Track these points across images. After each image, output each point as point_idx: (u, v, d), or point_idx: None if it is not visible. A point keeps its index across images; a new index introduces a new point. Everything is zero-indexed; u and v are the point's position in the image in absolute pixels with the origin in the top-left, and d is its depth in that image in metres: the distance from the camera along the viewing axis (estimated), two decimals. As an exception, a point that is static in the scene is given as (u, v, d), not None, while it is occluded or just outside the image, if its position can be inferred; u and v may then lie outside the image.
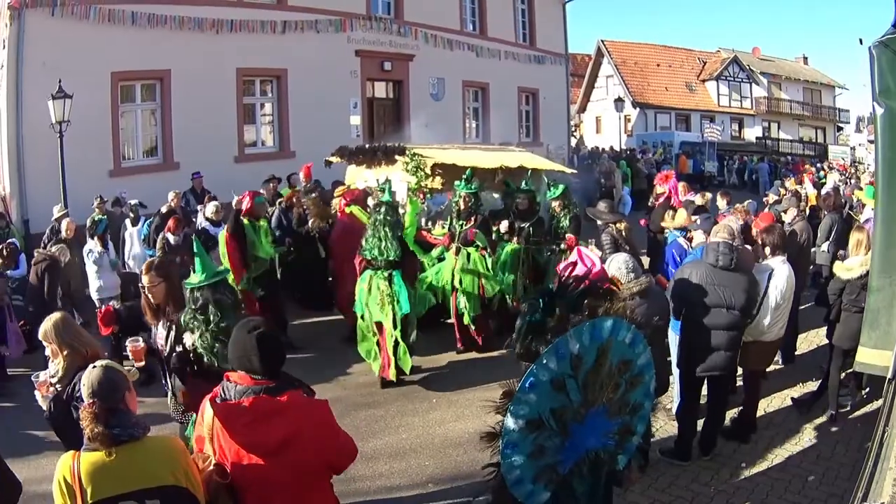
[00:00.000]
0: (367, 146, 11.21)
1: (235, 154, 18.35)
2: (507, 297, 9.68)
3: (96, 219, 10.68)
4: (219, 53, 17.64)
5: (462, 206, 9.70)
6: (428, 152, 10.80)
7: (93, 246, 10.04)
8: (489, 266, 9.25)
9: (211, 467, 3.13)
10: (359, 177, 11.70)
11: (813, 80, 48.87)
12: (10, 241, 10.88)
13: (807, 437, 6.68)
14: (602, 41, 44.83)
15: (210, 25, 17.57)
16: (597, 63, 45.78)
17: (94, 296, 10.10)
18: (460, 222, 9.63)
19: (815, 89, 49.03)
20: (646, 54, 45.52)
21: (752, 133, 46.23)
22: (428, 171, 10.32)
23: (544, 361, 3.33)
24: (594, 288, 3.87)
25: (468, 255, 9.23)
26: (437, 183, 10.35)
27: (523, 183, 10.78)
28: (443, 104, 23.94)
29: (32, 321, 8.87)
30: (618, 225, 8.95)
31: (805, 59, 51.84)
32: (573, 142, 35.19)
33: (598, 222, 9.42)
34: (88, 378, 3.15)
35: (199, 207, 13.12)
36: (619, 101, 34.22)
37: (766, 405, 7.34)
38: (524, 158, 12.09)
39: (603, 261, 5.60)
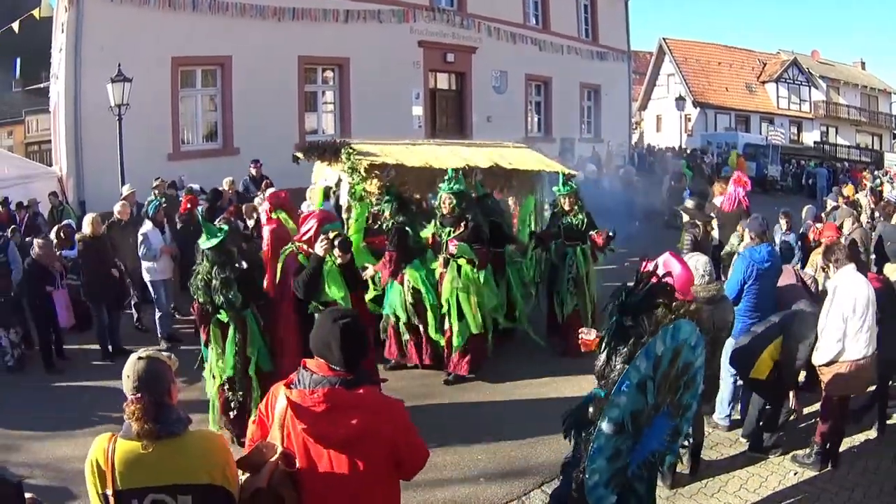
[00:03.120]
0: (322, 142, 9.13)
1: (296, 141, 17.26)
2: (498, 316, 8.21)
3: (149, 200, 10.24)
4: (280, 41, 16.99)
5: (445, 210, 7.82)
6: (371, 149, 8.72)
7: (143, 228, 9.34)
8: (482, 280, 7.67)
9: (276, 454, 2.89)
10: (321, 174, 9.80)
11: (871, 86, 46.17)
12: (66, 222, 10.83)
13: (854, 448, 6.29)
14: (664, 39, 43.04)
15: (272, 13, 16.98)
16: (658, 61, 43.85)
17: (146, 277, 9.39)
18: (446, 229, 7.79)
19: (873, 95, 46.49)
20: (707, 53, 43.53)
21: (810, 137, 43.93)
22: (363, 171, 8.28)
23: (637, 363, 3.23)
24: (661, 287, 3.72)
25: (458, 267, 7.59)
26: (373, 186, 8.20)
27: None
28: (505, 97, 23.09)
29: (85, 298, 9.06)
30: (708, 227, 8.08)
31: (863, 63, 49.18)
32: (635, 139, 33.72)
33: (685, 219, 8.55)
34: (133, 370, 2.83)
35: (258, 193, 12.28)
36: (680, 100, 32.44)
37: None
38: (514, 157, 9.91)
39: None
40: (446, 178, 7.84)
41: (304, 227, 6.29)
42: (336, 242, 5.85)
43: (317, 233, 6.14)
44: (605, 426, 3.23)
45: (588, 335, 4.27)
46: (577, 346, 8.11)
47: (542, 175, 10.07)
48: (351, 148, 8.38)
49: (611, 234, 8.34)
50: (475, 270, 7.60)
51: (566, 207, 8.57)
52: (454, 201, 7.76)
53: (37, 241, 8.86)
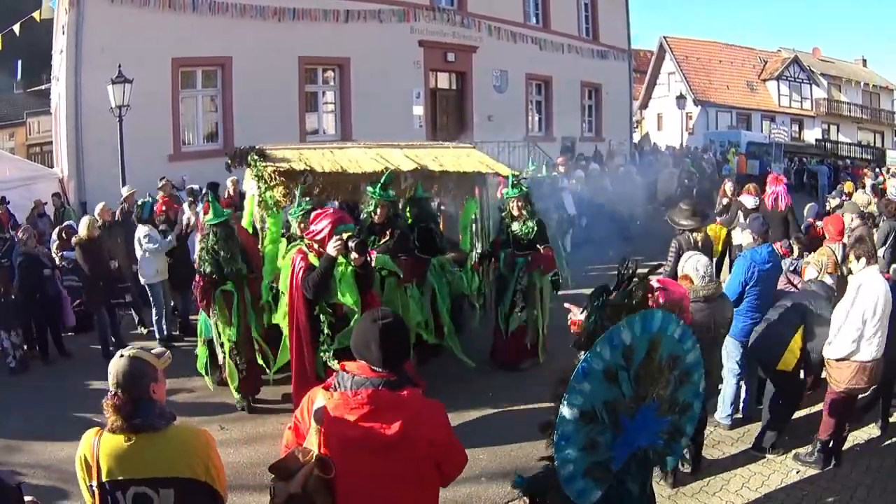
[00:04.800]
0: (240, 148, 8.16)
1: (297, 142, 17.25)
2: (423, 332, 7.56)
3: (139, 203, 10.07)
4: (281, 41, 16.94)
5: (378, 219, 7.39)
6: (284, 154, 7.90)
7: (140, 231, 9.29)
8: (408, 294, 7.24)
9: (312, 460, 2.86)
10: (249, 182, 8.58)
11: (873, 83, 45.94)
12: (67, 223, 10.80)
13: (857, 446, 6.26)
14: (664, 37, 42.76)
15: (272, 13, 16.91)
16: (659, 59, 43.57)
17: (143, 280, 9.36)
18: (372, 237, 7.33)
19: (875, 92, 46.14)
20: (708, 51, 43.29)
21: (811, 135, 43.61)
22: (267, 178, 7.39)
23: (598, 349, 3.15)
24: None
25: (381, 279, 7.12)
26: (279, 193, 7.36)
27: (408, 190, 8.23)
28: (506, 97, 23.00)
29: (84, 300, 9.43)
30: (696, 235, 7.41)
31: (864, 61, 48.93)
32: (636, 138, 33.59)
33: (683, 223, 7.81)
34: (114, 368, 2.91)
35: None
36: (680, 99, 32.30)
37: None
38: (449, 158, 8.88)
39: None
40: (379, 183, 7.32)
41: (315, 227, 5.79)
42: (352, 244, 5.45)
43: (330, 234, 5.65)
44: (565, 410, 3.15)
45: (578, 315, 3.94)
46: (518, 356, 7.97)
47: (486, 177, 9.26)
48: (256, 153, 7.64)
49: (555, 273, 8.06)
50: (399, 283, 7.21)
51: (514, 213, 7.89)
52: (390, 209, 7.47)
53: (20, 233, 9.24)
